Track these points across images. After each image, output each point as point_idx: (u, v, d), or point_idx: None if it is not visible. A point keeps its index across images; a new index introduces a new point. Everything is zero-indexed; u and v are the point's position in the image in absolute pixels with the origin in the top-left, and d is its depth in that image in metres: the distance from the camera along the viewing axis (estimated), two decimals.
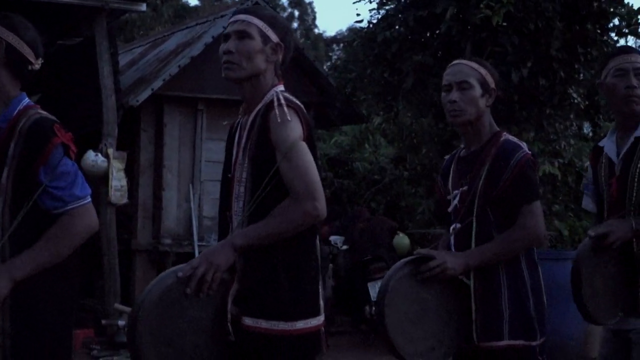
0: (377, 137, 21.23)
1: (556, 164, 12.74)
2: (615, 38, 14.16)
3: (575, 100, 12.78)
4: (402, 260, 4.08)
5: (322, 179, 16.66)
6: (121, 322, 11.42)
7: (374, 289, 12.00)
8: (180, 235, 13.98)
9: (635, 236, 4.21)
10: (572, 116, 13.93)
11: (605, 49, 13.97)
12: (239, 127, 3.87)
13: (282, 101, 3.65)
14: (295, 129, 3.62)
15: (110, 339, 11.77)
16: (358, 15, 15.75)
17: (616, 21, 13.89)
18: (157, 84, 13.53)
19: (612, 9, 13.29)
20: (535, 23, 12.65)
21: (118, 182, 12.05)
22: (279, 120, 3.59)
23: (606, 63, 4.52)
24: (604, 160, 4.51)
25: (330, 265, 14.78)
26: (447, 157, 4.62)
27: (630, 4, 13.71)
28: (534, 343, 4.12)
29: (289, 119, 3.60)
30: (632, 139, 4.38)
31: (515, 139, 4.28)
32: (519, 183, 4.11)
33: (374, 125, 19.49)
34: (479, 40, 13.16)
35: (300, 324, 3.62)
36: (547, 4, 12.54)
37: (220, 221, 3.90)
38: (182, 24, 18.72)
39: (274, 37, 3.79)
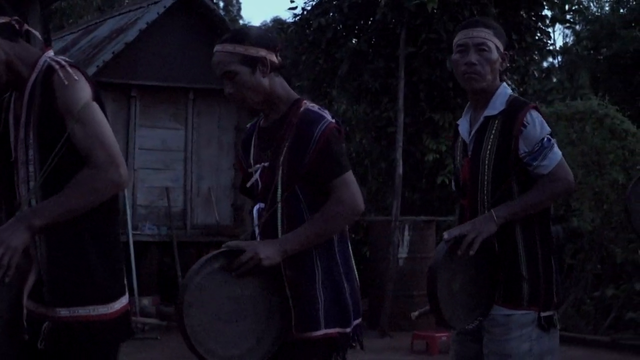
0: None
1: None
2: (543, 28, 14.34)
3: (511, 87, 12.87)
4: (208, 255, 3.58)
5: None
6: None
7: None
8: None
9: (499, 226, 3.96)
10: None
11: (539, 36, 14.15)
12: (10, 107, 3.49)
13: (63, 62, 3.35)
14: (84, 89, 3.33)
15: None
16: (292, 1, 15.53)
17: (547, 10, 14.07)
18: (91, 70, 13.38)
19: None
20: (470, 9, 12.78)
21: None
22: (65, 83, 3.29)
23: (454, 38, 4.26)
24: (460, 140, 4.28)
25: None
26: (249, 125, 4.16)
27: None
28: (348, 329, 3.75)
29: (77, 78, 3.31)
30: (482, 118, 4.13)
31: (317, 108, 3.80)
32: (326, 156, 3.68)
33: None
34: (414, 27, 13.24)
35: (117, 305, 3.38)
36: None
37: (7, 213, 3.48)
38: (115, 10, 18.54)
39: None
